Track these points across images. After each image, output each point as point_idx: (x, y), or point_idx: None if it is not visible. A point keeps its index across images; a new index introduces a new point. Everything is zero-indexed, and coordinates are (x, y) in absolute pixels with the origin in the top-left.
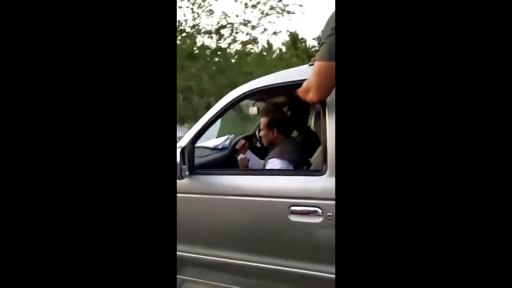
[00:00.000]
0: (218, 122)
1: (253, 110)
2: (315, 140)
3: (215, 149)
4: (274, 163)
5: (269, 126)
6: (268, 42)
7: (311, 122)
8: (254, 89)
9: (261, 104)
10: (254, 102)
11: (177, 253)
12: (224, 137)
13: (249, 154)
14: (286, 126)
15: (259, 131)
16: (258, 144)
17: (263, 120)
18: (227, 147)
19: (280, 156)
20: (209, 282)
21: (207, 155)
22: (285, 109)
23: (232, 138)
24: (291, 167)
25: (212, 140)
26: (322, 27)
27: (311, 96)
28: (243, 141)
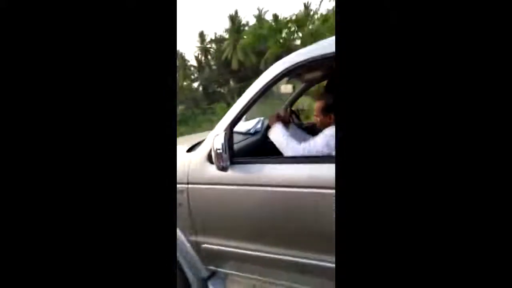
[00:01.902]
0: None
1: (287, 88)
2: None
3: (247, 133)
4: (332, 129)
5: (325, 111)
6: None
7: None
8: (302, 61)
9: (296, 82)
10: (287, 79)
11: (224, 248)
12: (255, 120)
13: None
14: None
15: (292, 111)
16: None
17: (318, 104)
18: (259, 131)
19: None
20: (259, 277)
21: (240, 141)
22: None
23: (263, 121)
24: None
25: (242, 124)
26: None
27: None
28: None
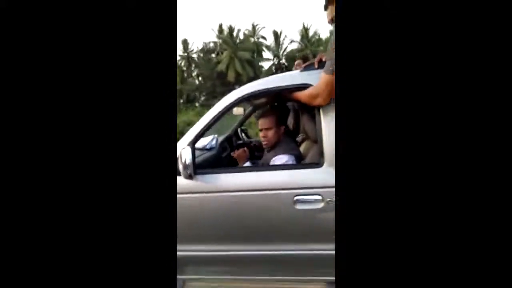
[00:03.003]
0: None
1: (238, 110)
2: (294, 136)
3: (204, 149)
4: (284, 159)
5: (277, 124)
6: None
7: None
8: (255, 91)
9: (245, 105)
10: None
11: (184, 252)
12: (210, 137)
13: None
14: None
15: (242, 130)
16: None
17: (268, 120)
18: (214, 147)
19: (288, 152)
20: (217, 277)
21: (198, 156)
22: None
23: (217, 138)
24: (295, 161)
25: (199, 141)
26: None
27: (319, 101)
28: (241, 150)
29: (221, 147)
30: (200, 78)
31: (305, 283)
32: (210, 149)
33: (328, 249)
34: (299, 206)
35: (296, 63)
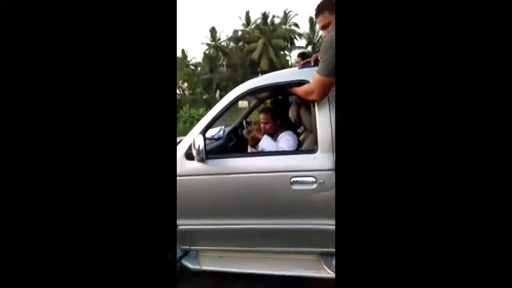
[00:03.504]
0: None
1: (243, 103)
2: (293, 126)
3: (212, 139)
4: (286, 134)
5: (274, 118)
6: None
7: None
8: (258, 86)
9: (250, 98)
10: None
11: (196, 226)
12: (218, 128)
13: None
14: (286, 118)
15: (247, 122)
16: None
17: (266, 116)
18: (222, 137)
19: (290, 132)
20: (225, 248)
21: (208, 144)
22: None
23: (224, 129)
24: (296, 143)
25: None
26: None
27: (314, 97)
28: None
29: (228, 137)
30: (230, 67)
31: (301, 254)
32: (218, 139)
33: (321, 224)
34: (295, 187)
35: (295, 60)
